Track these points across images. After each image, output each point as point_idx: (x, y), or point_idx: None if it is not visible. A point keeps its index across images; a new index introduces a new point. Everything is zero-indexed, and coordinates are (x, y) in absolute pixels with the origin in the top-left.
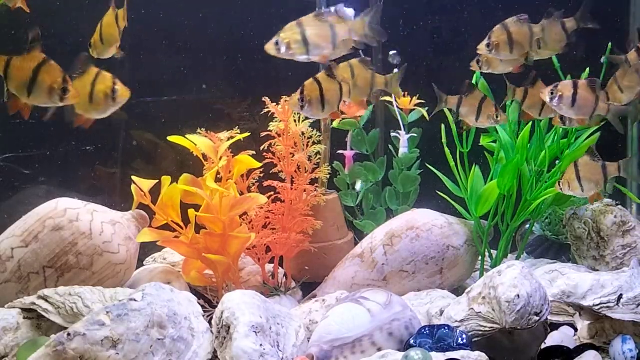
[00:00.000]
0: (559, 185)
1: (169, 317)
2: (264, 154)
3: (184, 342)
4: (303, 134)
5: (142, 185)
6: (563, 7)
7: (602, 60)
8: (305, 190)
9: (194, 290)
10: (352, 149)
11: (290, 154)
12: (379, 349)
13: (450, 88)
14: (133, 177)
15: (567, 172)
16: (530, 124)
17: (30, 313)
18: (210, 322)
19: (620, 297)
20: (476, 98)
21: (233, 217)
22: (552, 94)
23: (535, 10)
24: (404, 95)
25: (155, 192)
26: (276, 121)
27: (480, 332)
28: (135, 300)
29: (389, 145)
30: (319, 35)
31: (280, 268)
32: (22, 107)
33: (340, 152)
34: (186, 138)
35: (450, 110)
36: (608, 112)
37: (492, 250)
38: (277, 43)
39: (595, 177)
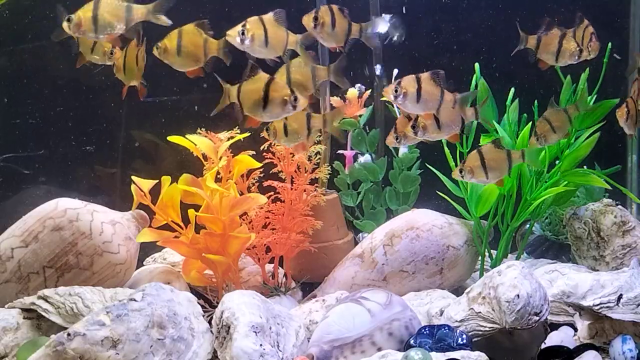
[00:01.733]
0: (460, 173)
1: (169, 317)
2: (264, 154)
3: (184, 342)
4: None
5: (142, 185)
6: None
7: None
8: (305, 190)
9: (194, 290)
10: (352, 149)
11: (290, 154)
12: (379, 349)
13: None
14: (133, 177)
15: (470, 159)
16: (530, 123)
17: (30, 313)
18: (210, 322)
19: (620, 297)
20: (555, 36)
21: (233, 217)
22: (396, 91)
23: (534, 9)
24: None
25: (155, 192)
26: None
27: (480, 332)
28: (135, 300)
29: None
30: (111, 13)
31: (280, 268)
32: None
33: (340, 152)
34: (186, 138)
35: (529, 49)
36: (455, 103)
37: (492, 250)
38: (69, 19)
39: (500, 165)
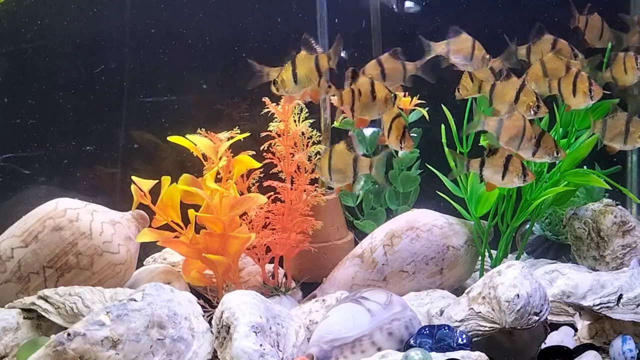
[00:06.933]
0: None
1: (169, 317)
2: (264, 154)
3: (184, 342)
4: (303, 134)
5: (142, 185)
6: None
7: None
8: (305, 191)
9: (194, 290)
10: None
11: (290, 154)
12: (379, 349)
13: (448, 88)
14: (133, 177)
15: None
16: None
17: (30, 313)
18: (210, 322)
19: (620, 297)
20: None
21: (233, 217)
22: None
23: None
24: (405, 96)
25: (155, 192)
26: (276, 121)
27: (480, 332)
28: (135, 300)
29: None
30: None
31: (280, 268)
32: None
33: None
34: (186, 138)
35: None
36: None
37: (492, 250)
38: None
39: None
